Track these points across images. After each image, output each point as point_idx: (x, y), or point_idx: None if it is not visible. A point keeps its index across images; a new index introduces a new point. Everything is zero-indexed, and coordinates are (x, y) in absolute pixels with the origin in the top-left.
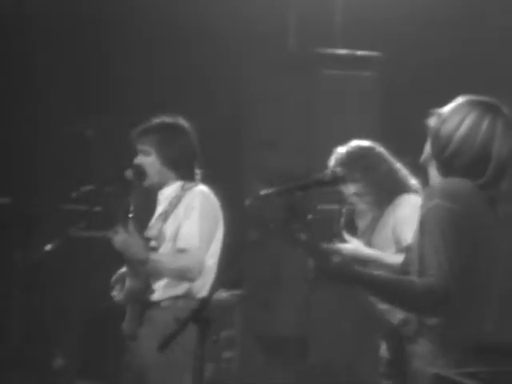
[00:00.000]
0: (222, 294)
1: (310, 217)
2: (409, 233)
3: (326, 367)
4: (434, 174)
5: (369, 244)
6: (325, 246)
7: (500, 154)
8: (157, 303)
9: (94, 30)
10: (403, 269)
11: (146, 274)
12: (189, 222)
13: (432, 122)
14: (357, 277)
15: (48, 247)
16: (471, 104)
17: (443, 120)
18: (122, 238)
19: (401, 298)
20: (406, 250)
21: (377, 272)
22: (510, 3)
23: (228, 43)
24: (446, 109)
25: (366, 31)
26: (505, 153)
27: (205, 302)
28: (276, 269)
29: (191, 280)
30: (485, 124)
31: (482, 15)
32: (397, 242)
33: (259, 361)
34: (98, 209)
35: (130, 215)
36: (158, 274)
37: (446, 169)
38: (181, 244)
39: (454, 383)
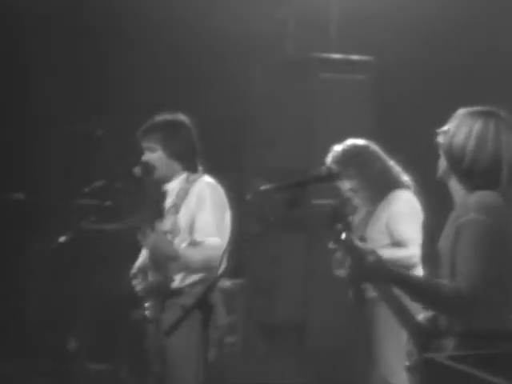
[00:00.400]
0: (225, 283)
1: (350, 219)
2: (402, 226)
3: (322, 353)
4: (455, 186)
5: (362, 237)
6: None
7: (510, 155)
8: (177, 290)
9: (103, 36)
10: (435, 272)
11: (169, 267)
12: (203, 214)
13: (441, 139)
14: (391, 276)
15: (61, 239)
16: (473, 115)
17: (452, 135)
18: (152, 239)
19: (431, 299)
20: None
21: (411, 273)
22: (500, 6)
23: (230, 48)
24: (451, 124)
25: (360, 37)
26: None
27: (209, 290)
28: (275, 260)
29: (215, 268)
30: (491, 130)
31: (473, 19)
32: (391, 235)
33: (260, 346)
34: (108, 203)
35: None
36: (186, 268)
37: (467, 179)
38: (199, 236)
39: (444, 367)
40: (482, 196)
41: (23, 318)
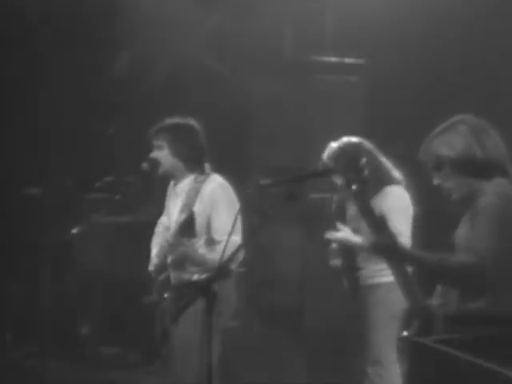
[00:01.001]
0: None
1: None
2: (393, 220)
3: (318, 336)
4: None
5: (357, 229)
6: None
7: (502, 149)
8: (194, 283)
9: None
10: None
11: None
12: (219, 214)
13: (429, 163)
14: (404, 254)
15: (74, 230)
16: (454, 125)
17: (454, 154)
18: (181, 251)
19: (443, 275)
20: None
21: (421, 252)
22: (496, 9)
23: (232, 51)
24: (442, 144)
25: (353, 41)
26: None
27: (212, 280)
28: (274, 250)
29: (236, 262)
30: (477, 132)
31: (468, 23)
32: None
33: (260, 329)
34: (118, 197)
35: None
36: (210, 270)
37: (482, 174)
38: (218, 236)
39: (430, 349)
40: (497, 184)
41: (40, 306)
